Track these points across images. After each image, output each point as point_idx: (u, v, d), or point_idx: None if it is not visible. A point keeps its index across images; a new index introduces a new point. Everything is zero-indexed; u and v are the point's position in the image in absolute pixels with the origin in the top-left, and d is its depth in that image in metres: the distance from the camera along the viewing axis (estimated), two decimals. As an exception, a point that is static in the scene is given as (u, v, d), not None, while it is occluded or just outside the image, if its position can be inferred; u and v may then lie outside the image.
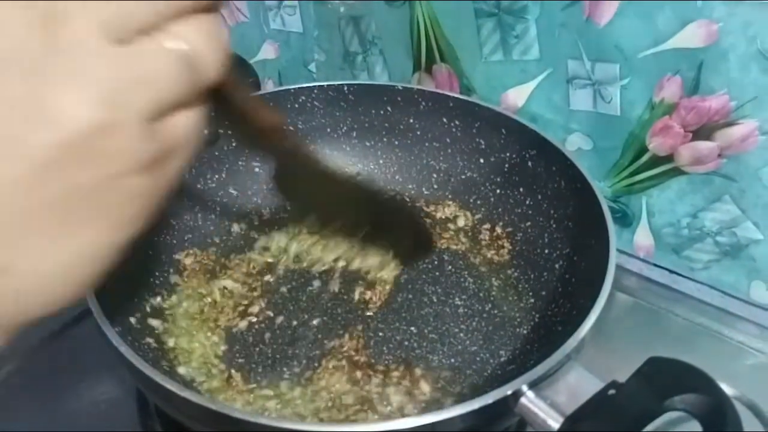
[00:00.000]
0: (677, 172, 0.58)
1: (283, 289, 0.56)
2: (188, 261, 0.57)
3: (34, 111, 0.21)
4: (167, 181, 0.24)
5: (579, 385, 0.40)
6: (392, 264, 0.56)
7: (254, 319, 0.53)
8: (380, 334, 0.52)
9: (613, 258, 0.46)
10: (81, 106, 0.21)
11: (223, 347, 0.51)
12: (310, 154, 0.44)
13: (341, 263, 0.57)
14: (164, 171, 0.24)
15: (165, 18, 0.22)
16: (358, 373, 0.49)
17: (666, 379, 0.38)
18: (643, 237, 0.63)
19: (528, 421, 0.39)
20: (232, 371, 0.49)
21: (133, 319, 0.49)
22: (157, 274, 0.55)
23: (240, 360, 0.50)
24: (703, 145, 0.56)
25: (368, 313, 0.54)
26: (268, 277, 0.57)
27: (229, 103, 0.29)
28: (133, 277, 0.52)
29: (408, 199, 0.64)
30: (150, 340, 0.49)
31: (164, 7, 0.22)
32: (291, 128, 0.43)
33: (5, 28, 0.20)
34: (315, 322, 0.53)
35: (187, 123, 0.24)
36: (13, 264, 0.22)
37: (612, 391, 0.38)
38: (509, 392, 0.38)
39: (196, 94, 0.24)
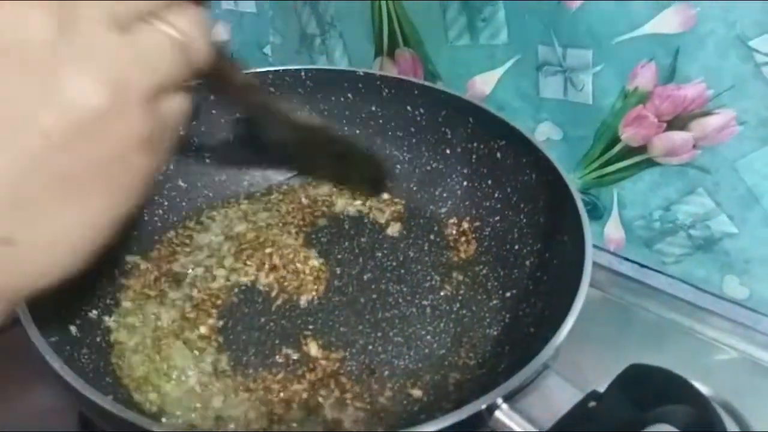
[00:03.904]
0: (650, 163, 0.56)
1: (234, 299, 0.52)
2: (134, 260, 0.53)
3: (49, 94, 0.23)
4: (159, 159, 0.27)
5: (555, 395, 0.38)
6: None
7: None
8: (342, 339, 0.49)
9: (589, 258, 0.44)
10: (90, 90, 0.24)
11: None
12: (279, 107, 0.47)
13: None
14: (157, 149, 0.27)
15: (161, 7, 0.26)
16: (318, 383, 0.46)
17: (648, 389, 0.36)
18: (613, 230, 0.61)
19: (503, 437, 0.36)
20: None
21: (73, 328, 0.45)
22: (100, 275, 0.50)
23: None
24: (678, 136, 0.54)
25: (329, 315, 0.51)
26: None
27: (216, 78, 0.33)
28: (72, 280, 0.48)
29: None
30: (88, 351, 0.45)
31: None
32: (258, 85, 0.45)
33: (26, 20, 0.23)
34: (270, 326, 0.50)
35: (177, 105, 0.28)
36: (18, 233, 0.24)
37: (592, 403, 0.36)
38: (483, 406, 0.36)
39: (186, 77, 0.27)
